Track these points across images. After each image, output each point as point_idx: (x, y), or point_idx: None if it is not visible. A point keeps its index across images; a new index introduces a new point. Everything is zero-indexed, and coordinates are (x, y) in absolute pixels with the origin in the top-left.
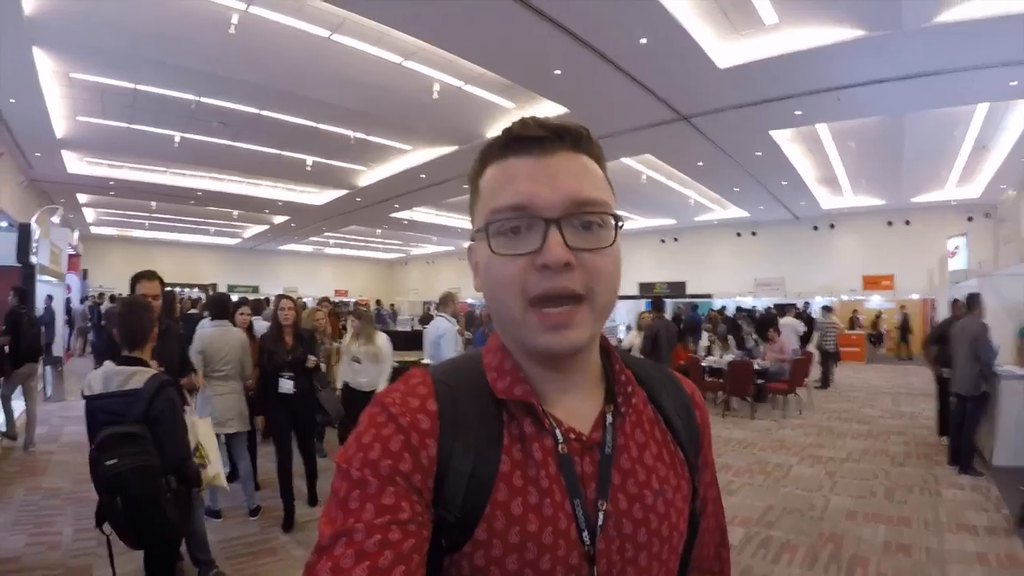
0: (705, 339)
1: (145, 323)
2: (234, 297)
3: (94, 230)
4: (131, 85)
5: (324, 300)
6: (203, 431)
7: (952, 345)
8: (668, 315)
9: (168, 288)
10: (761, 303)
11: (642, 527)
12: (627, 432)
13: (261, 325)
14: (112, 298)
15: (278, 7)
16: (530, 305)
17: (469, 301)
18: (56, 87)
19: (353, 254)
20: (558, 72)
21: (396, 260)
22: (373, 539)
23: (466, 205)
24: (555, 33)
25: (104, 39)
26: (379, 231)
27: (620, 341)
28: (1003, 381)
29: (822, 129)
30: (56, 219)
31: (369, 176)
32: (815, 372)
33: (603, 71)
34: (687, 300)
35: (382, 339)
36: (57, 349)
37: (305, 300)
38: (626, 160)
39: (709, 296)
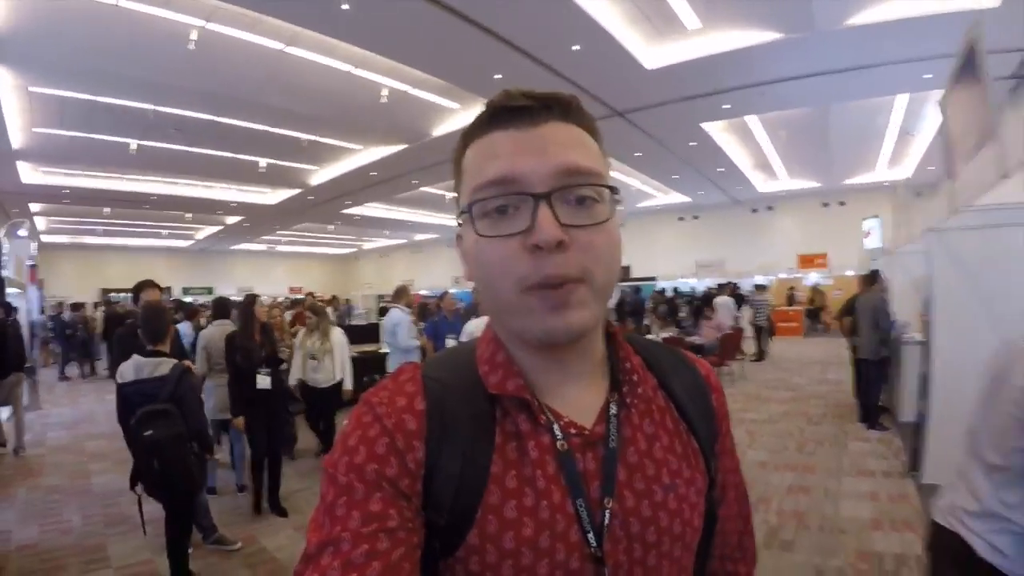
0: (647, 319)
1: (164, 323)
2: (189, 299)
3: (45, 238)
4: (90, 97)
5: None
6: None
7: (857, 316)
8: (614, 299)
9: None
10: (703, 284)
11: (651, 525)
12: (635, 423)
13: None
14: (74, 307)
15: (234, 23)
16: (523, 290)
17: (423, 293)
18: (14, 100)
19: (306, 251)
20: (498, 76)
21: (349, 255)
22: (360, 549)
23: (417, 199)
24: (494, 43)
25: (67, 55)
26: (331, 227)
27: None
28: (904, 347)
29: (751, 120)
30: (24, 232)
31: (321, 175)
32: (752, 346)
33: (540, 74)
34: (630, 284)
35: (337, 334)
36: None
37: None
38: None
39: (653, 279)
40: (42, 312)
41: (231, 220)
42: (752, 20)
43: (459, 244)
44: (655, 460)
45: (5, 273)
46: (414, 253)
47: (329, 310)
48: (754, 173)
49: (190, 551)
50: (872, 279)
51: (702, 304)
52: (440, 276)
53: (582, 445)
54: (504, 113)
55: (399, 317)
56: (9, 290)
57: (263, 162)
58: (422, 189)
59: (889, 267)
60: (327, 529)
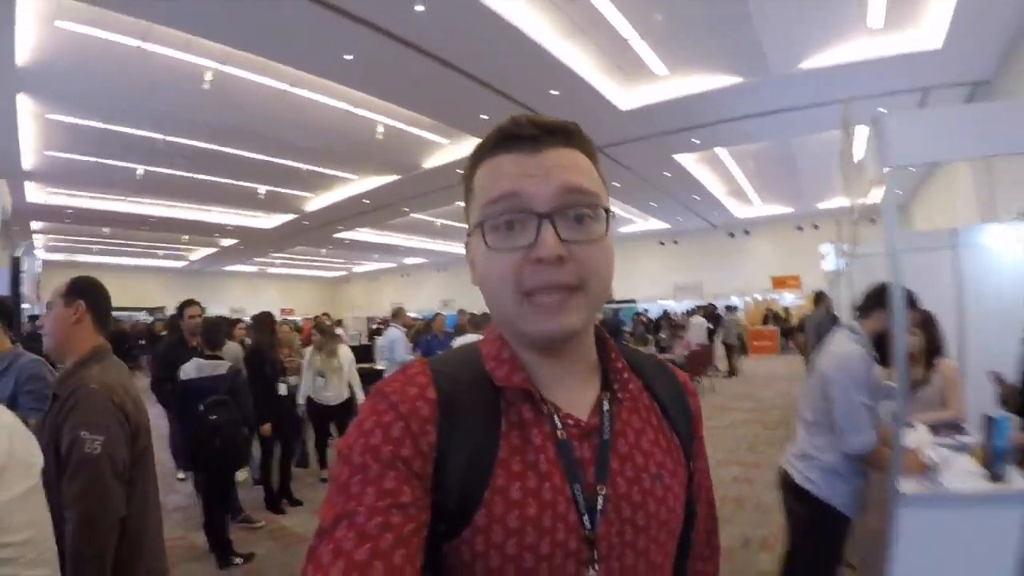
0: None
1: (222, 334)
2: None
3: (40, 256)
4: (104, 125)
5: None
6: None
7: (807, 333)
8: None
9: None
10: (682, 305)
11: (640, 510)
12: (624, 418)
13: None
14: None
15: (246, 66)
16: (524, 296)
17: (412, 315)
18: (31, 125)
19: (297, 273)
20: (485, 117)
21: (339, 278)
22: (374, 521)
23: (407, 225)
24: (480, 88)
25: (88, 88)
26: (323, 251)
27: None
28: None
29: (721, 152)
30: (41, 251)
31: (316, 202)
32: (725, 364)
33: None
34: (611, 306)
35: (345, 351)
36: None
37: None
38: None
39: (633, 301)
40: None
41: (227, 242)
42: (713, 66)
43: (468, 252)
44: (643, 451)
45: (22, 290)
46: (403, 277)
47: (339, 331)
48: (729, 199)
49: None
50: (818, 299)
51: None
52: (428, 299)
53: (579, 435)
54: (513, 139)
55: (396, 335)
56: (24, 305)
57: (263, 189)
58: (412, 216)
59: (837, 286)
60: (342, 505)
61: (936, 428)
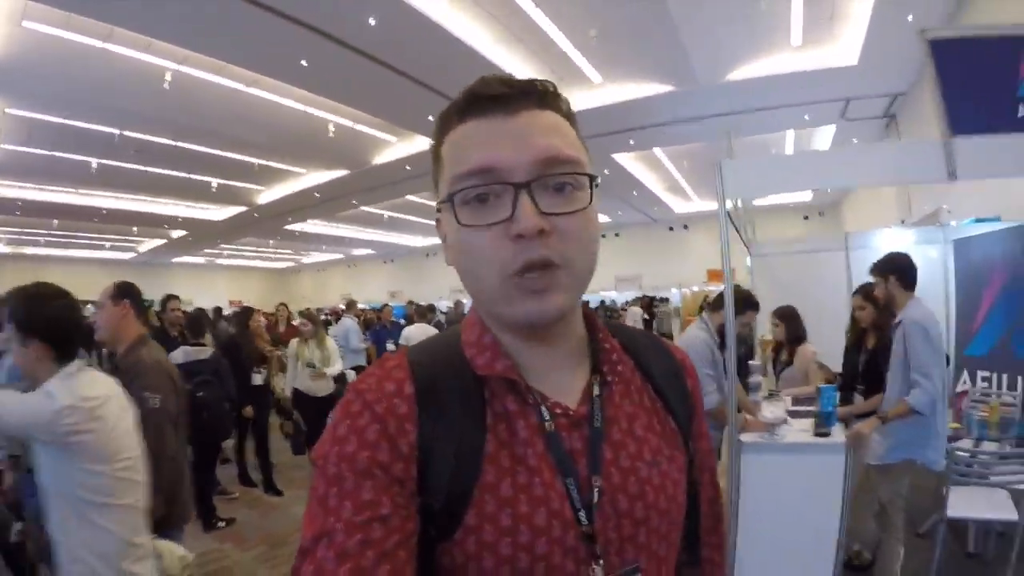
0: None
1: (204, 323)
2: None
3: None
4: (62, 120)
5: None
6: None
7: None
8: None
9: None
10: (623, 296)
11: (639, 501)
12: (615, 402)
13: None
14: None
15: (204, 67)
16: (506, 277)
17: (361, 306)
18: None
19: (246, 264)
20: (431, 118)
21: (288, 269)
22: (354, 539)
23: (356, 217)
24: (427, 92)
25: (49, 85)
26: (272, 242)
27: None
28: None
29: (658, 151)
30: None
31: (267, 195)
32: None
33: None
34: None
35: (331, 341)
36: None
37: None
38: None
39: None
40: None
41: (177, 234)
42: (645, 76)
43: (439, 228)
44: (636, 438)
45: None
46: (350, 268)
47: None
48: (668, 196)
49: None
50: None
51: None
52: (376, 290)
53: (568, 425)
54: (481, 101)
55: (350, 324)
56: None
57: (215, 182)
58: (361, 208)
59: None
60: (320, 521)
61: (799, 399)
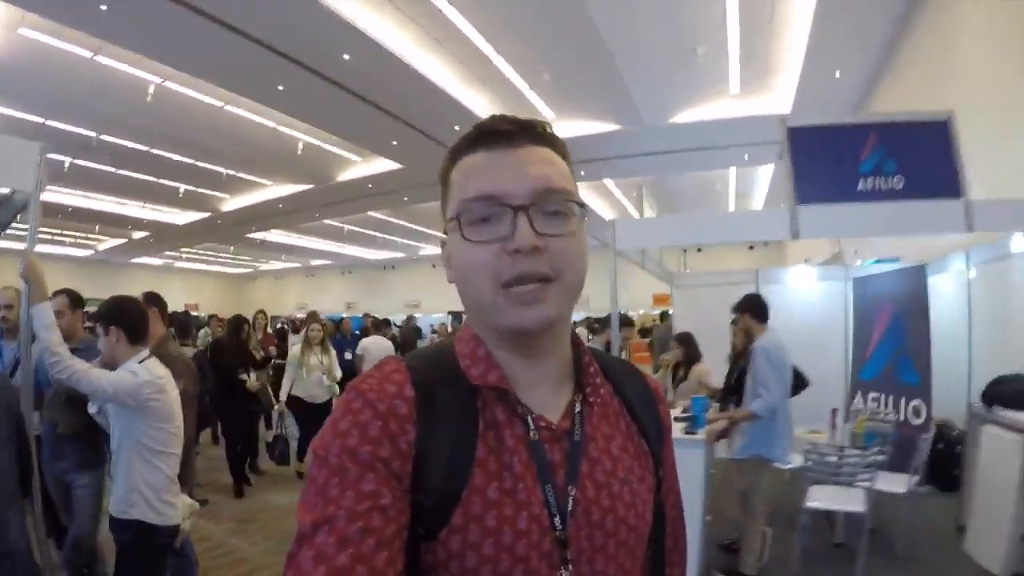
0: None
1: (191, 327)
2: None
3: None
4: (40, 120)
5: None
6: None
7: (652, 344)
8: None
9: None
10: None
11: (610, 514)
12: (594, 422)
13: None
14: None
15: (186, 83)
16: (501, 287)
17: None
18: None
19: (203, 268)
20: (395, 143)
21: (244, 275)
22: (355, 526)
23: (316, 229)
24: (391, 120)
25: (36, 88)
26: (231, 248)
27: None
28: None
29: (608, 182)
30: None
31: (232, 203)
32: None
33: (427, 144)
34: None
35: (332, 349)
36: None
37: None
38: None
39: None
40: None
41: (138, 235)
42: (594, 114)
43: (443, 249)
44: (612, 457)
45: None
46: (308, 277)
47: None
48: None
49: None
50: (663, 317)
51: None
52: (333, 300)
53: (550, 438)
54: (490, 135)
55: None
56: None
57: (183, 188)
58: (323, 220)
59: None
60: (320, 509)
61: (687, 409)
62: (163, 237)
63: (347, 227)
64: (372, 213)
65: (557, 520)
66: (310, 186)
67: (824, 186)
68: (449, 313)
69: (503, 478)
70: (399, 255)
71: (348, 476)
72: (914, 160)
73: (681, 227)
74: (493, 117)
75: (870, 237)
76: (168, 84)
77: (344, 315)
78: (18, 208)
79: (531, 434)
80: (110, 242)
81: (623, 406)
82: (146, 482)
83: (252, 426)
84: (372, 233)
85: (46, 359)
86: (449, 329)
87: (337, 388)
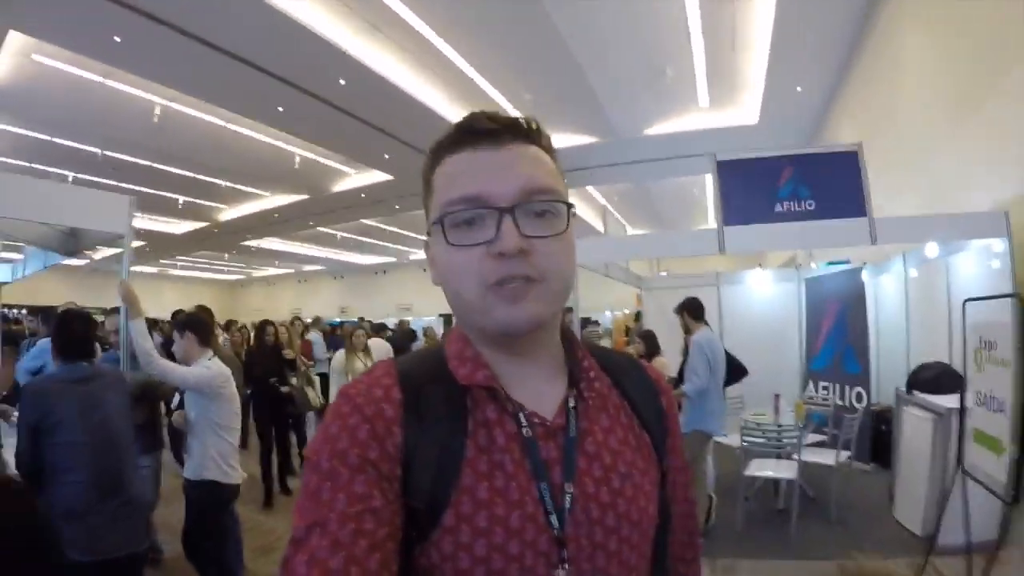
0: None
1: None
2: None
3: None
4: (49, 138)
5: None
6: None
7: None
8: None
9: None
10: None
11: (610, 511)
12: (591, 417)
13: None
14: None
15: (190, 105)
16: (488, 289)
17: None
18: None
19: (196, 275)
20: (388, 156)
21: (237, 281)
22: (347, 528)
23: (310, 236)
24: (385, 137)
25: (45, 109)
26: (226, 255)
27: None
28: None
29: (591, 188)
30: None
31: (229, 213)
32: None
33: (417, 157)
34: None
35: (375, 354)
36: None
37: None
38: None
39: None
40: None
41: (135, 244)
42: (573, 129)
43: (427, 250)
44: (611, 450)
45: None
46: (301, 283)
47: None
48: (602, 226)
49: None
50: (637, 316)
51: None
52: (325, 305)
53: (544, 434)
54: (472, 135)
55: (316, 338)
56: None
57: (182, 199)
58: (318, 229)
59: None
60: (313, 512)
61: None
62: (160, 246)
63: (340, 234)
64: (364, 221)
65: (553, 518)
66: (305, 196)
67: (747, 209)
68: (440, 316)
69: (494, 477)
70: (390, 260)
71: (339, 479)
72: (826, 185)
73: (626, 245)
74: (475, 115)
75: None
76: (174, 105)
77: (339, 319)
78: (100, 241)
79: (524, 431)
80: (105, 251)
81: (623, 399)
82: (217, 451)
83: (285, 430)
84: (364, 239)
85: (143, 361)
86: (440, 332)
87: None
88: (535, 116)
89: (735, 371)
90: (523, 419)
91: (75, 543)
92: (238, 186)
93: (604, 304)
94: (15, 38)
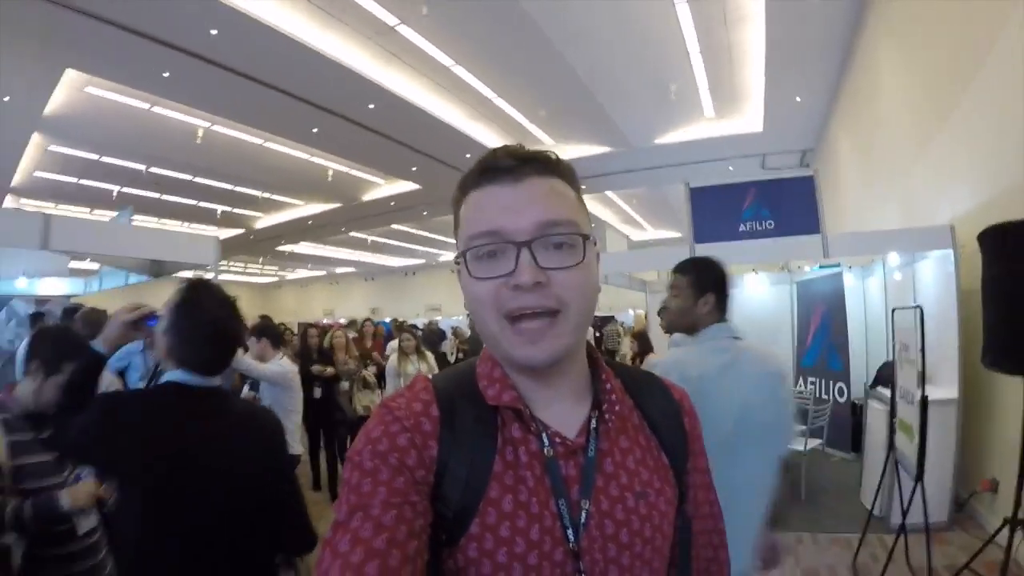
0: None
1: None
2: None
3: None
4: (96, 156)
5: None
6: None
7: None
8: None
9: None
10: None
11: (624, 528)
12: (612, 438)
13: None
14: None
15: (230, 127)
16: (507, 321)
17: (341, 321)
18: (31, 153)
19: (232, 279)
20: (415, 168)
21: (270, 284)
22: (390, 514)
23: (341, 240)
24: (411, 152)
25: (95, 133)
26: (261, 259)
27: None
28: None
29: (610, 193)
30: None
31: (265, 220)
32: None
33: (443, 168)
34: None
35: (430, 356)
36: None
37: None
38: None
39: None
40: None
41: None
42: (588, 140)
43: (460, 279)
44: (628, 471)
45: None
46: (332, 285)
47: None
48: (623, 226)
49: None
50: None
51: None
52: (356, 307)
53: (565, 453)
54: (492, 171)
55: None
56: None
57: (220, 210)
58: (350, 234)
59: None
60: (356, 500)
61: None
62: None
63: (371, 238)
64: (394, 226)
65: (570, 532)
66: (338, 205)
67: (715, 228)
68: (467, 315)
69: (518, 491)
70: (419, 262)
71: (380, 476)
72: (785, 207)
73: (607, 261)
74: (496, 151)
75: None
76: (215, 128)
77: (379, 322)
78: (184, 267)
79: (545, 450)
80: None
81: (643, 420)
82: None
83: (334, 434)
84: (394, 243)
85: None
86: (468, 332)
87: None
88: (549, 129)
89: None
90: (546, 439)
91: None
92: (274, 196)
93: (626, 301)
94: (71, 74)
